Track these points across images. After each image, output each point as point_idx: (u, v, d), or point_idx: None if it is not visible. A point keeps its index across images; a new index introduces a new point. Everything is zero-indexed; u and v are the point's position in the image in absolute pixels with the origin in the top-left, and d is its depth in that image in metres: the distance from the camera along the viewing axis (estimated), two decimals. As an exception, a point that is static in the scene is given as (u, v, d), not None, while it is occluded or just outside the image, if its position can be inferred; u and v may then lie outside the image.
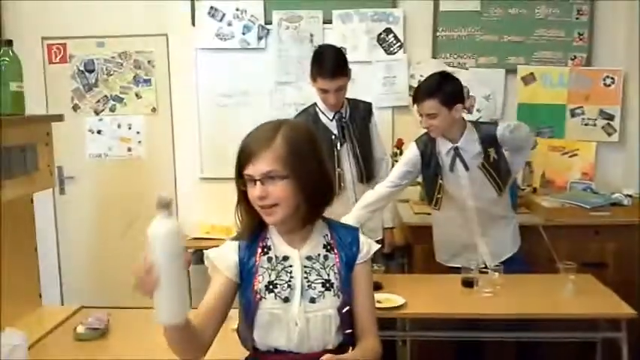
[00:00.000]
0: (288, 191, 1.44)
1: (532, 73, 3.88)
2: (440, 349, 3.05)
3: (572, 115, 3.87)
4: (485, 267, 2.73)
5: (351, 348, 1.54)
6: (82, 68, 4.22)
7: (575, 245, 3.19)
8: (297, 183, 1.45)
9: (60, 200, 4.24)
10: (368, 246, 1.59)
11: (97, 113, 4.25)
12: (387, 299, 2.49)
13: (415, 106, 2.73)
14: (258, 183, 1.44)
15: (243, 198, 1.50)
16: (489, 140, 2.70)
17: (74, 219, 4.33)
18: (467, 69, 3.94)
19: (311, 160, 1.48)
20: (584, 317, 2.49)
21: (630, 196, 3.42)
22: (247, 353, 1.59)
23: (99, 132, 4.27)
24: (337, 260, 1.54)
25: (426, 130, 2.78)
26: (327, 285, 1.51)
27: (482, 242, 2.85)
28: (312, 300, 1.50)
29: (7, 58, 1.81)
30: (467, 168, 2.72)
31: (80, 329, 1.84)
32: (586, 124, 3.86)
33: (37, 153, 1.87)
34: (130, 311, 2.08)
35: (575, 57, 3.87)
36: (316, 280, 1.52)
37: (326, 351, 1.50)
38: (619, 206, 3.36)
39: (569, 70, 3.85)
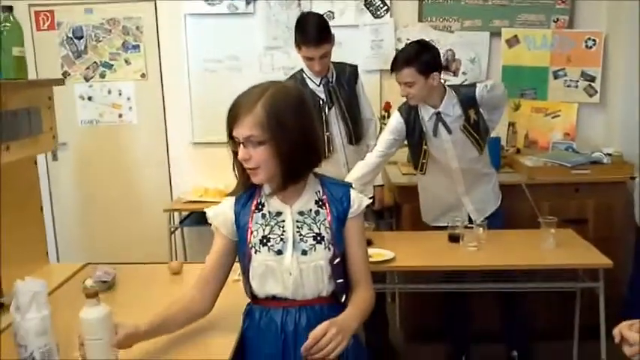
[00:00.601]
0: (267, 155, 1.51)
1: (516, 36, 3.96)
2: (427, 301, 3.19)
3: (555, 76, 3.96)
4: (470, 223, 2.85)
5: (344, 296, 1.65)
6: (70, 35, 4.24)
7: (557, 202, 3.31)
8: (277, 148, 1.51)
9: (53, 166, 4.28)
10: (359, 201, 1.66)
11: (87, 80, 4.28)
12: (377, 253, 2.61)
13: (394, 74, 2.79)
14: (241, 145, 1.52)
15: (235, 157, 1.58)
16: (469, 102, 2.78)
17: (67, 185, 4.40)
18: (452, 32, 4.00)
19: (293, 125, 1.52)
20: (564, 267, 2.62)
21: (610, 154, 3.53)
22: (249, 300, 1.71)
23: (89, 98, 4.30)
24: (328, 215, 1.62)
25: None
26: (318, 238, 1.60)
27: (467, 200, 2.96)
28: (304, 252, 1.59)
29: (8, 24, 1.84)
30: (449, 131, 2.80)
31: (89, 282, 1.93)
32: (568, 86, 3.96)
33: (41, 116, 1.94)
34: (133, 266, 2.19)
35: (557, 19, 3.95)
36: (308, 233, 1.60)
37: (320, 298, 1.62)
38: (599, 164, 3.48)
39: (551, 32, 3.92)
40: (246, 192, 1.66)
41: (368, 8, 4.03)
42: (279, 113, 1.51)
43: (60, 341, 1.52)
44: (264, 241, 1.60)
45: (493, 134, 3.31)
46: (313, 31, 2.97)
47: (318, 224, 1.62)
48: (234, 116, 1.53)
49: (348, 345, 1.50)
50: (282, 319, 1.61)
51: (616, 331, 1.44)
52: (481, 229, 2.75)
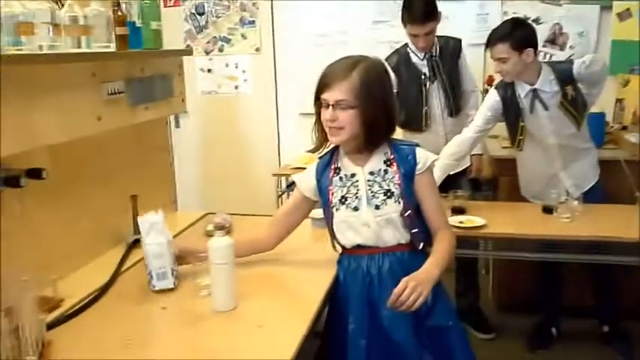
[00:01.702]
0: (354, 119, 1.73)
1: (628, 9, 3.84)
2: (520, 273, 3.27)
3: (670, 52, 3.82)
4: (567, 199, 2.87)
5: (421, 243, 1.84)
6: (193, 11, 4.60)
7: None
8: (363, 114, 1.73)
9: (175, 133, 4.71)
10: (425, 158, 1.84)
11: (207, 53, 4.64)
12: (469, 220, 2.74)
13: (488, 50, 2.85)
14: (330, 107, 1.74)
15: (318, 118, 1.82)
16: (566, 79, 2.79)
17: (187, 149, 4.81)
18: (561, 5, 3.95)
19: (379, 97, 1.75)
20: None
21: None
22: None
23: (209, 71, 4.67)
24: (396, 173, 1.81)
25: None
26: (389, 194, 1.80)
27: (565, 176, 2.98)
28: (377, 207, 1.80)
29: (148, 1, 2.15)
30: (546, 108, 2.83)
31: (210, 227, 2.23)
32: (684, 62, 3.81)
33: (173, 82, 2.24)
34: (247, 217, 2.48)
35: (676, -9, 3.80)
36: (379, 190, 1.81)
37: (400, 245, 1.82)
38: None
39: (669, 5, 3.79)
40: (325, 159, 1.90)
41: (475, -18, 4.07)
42: (371, 83, 1.73)
43: (181, 269, 1.82)
44: (343, 200, 1.83)
45: (597, 109, 3.30)
46: (420, 10, 3.07)
47: (387, 181, 1.81)
48: (326, 82, 1.74)
49: (429, 294, 1.67)
50: (367, 264, 1.83)
51: None
52: (576, 202, 2.79)
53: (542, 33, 3.81)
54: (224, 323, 1.60)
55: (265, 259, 2.01)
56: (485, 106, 2.99)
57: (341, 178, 1.85)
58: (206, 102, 4.71)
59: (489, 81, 3.91)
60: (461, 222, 2.72)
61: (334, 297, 1.87)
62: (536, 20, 3.95)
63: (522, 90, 2.87)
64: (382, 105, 1.76)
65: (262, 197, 4.41)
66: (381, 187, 1.81)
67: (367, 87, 1.71)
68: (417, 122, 3.28)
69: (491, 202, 3.32)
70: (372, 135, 1.78)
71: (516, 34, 2.74)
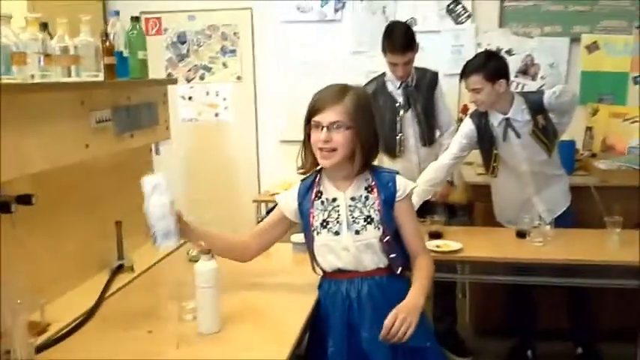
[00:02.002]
0: (348, 139, 1.80)
1: (596, 42, 4.02)
2: (496, 297, 3.33)
3: (635, 82, 3.98)
4: (540, 223, 2.96)
5: (399, 268, 1.90)
6: (175, 40, 4.67)
7: (629, 207, 3.29)
8: (357, 135, 1.81)
9: (156, 160, 4.72)
10: (404, 186, 1.91)
11: (188, 81, 4.69)
12: (445, 244, 2.81)
13: (463, 81, 2.96)
14: (324, 129, 1.80)
15: (307, 141, 1.88)
16: (537, 108, 2.91)
17: (168, 176, 4.81)
18: (532, 37, 4.11)
19: (369, 119, 1.84)
20: (628, 264, 2.67)
21: (688, 161, 3.53)
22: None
23: (190, 98, 4.72)
24: (377, 199, 1.88)
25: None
26: (369, 220, 1.86)
27: (538, 201, 3.07)
28: (357, 232, 1.86)
29: (135, 31, 2.21)
30: (518, 136, 2.94)
31: (193, 252, 2.26)
32: (648, 92, 3.97)
33: (158, 110, 2.30)
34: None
35: (640, 26, 3.98)
36: (359, 216, 1.87)
37: (379, 269, 1.88)
38: (676, 170, 3.47)
39: (633, 38, 3.95)
40: (307, 182, 1.96)
41: (450, 14, 4.21)
42: (363, 107, 1.83)
43: (165, 294, 1.84)
44: (324, 224, 1.88)
45: (567, 137, 3.42)
46: (400, 40, 3.20)
47: (367, 207, 1.87)
48: (319, 106, 1.82)
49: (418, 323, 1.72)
50: (347, 288, 1.88)
51: None
52: (548, 226, 2.88)
53: (514, 64, 3.98)
54: (209, 346, 1.63)
55: (247, 283, 2.05)
56: (460, 134, 3.09)
57: (322, 202, 1.91)
58: (187, 129, 4.74)
59: (464, 110, 4.03)
60: (438, 246, 2.79)
61: (315, 320, 1.90)
62: (509, 52, 4.10)
63: (495, 119, 2.98)
64: (372, 127, 1.85)
65: (243, 223, 4.44)
66: (361, 212, 1.87)
67: (361, 109, 1.81)
68: (391, 149, 3.37)
69: (467, 227, 3.40)
70: (365, 156, 1.84)
71: (489, 66, 2.86)
